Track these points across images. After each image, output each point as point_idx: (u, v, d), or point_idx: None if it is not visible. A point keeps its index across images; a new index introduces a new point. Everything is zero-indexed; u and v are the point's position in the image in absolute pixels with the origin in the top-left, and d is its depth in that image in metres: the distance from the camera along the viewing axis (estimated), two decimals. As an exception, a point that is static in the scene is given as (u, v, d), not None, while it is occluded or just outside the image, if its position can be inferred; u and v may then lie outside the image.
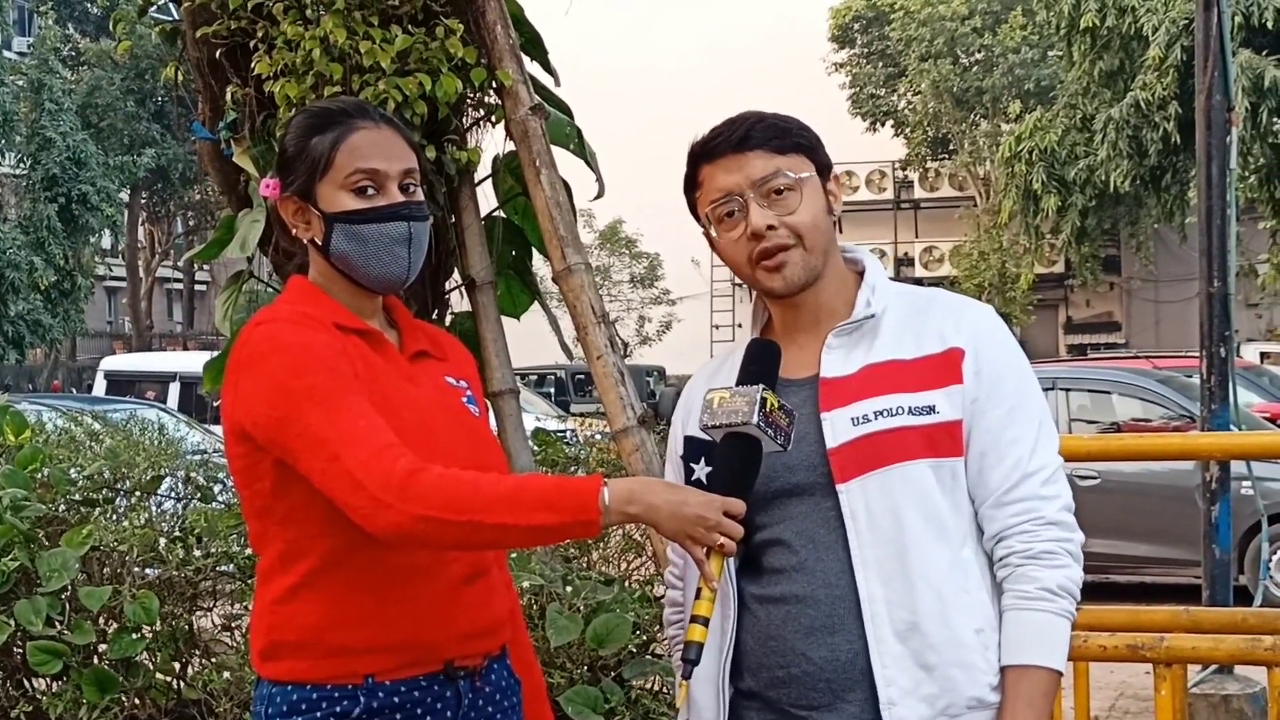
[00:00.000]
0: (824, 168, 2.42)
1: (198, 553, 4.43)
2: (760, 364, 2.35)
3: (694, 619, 2.21)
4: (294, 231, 2.50)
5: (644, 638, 4.02)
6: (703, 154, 2.42)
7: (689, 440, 2.47)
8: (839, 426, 2.32)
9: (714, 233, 2.42)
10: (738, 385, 2.29)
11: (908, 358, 2.36)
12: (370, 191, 2.43)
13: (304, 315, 2.42)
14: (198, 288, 50.51)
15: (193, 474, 4.86)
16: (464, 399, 2.56)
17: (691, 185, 2.45)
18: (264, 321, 2.42)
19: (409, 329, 2.59)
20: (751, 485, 2.26)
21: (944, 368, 2.34)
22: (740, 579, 2.39)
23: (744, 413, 2.22)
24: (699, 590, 2.22)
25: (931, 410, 2.31)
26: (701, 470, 2.40)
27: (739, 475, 2.25)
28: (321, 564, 2.38)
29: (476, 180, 4.62)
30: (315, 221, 2.46)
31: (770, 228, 2.35)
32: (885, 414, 2.31)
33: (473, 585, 2.45)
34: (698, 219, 2.46)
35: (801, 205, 2.36)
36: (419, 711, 2.40)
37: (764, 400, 2.22)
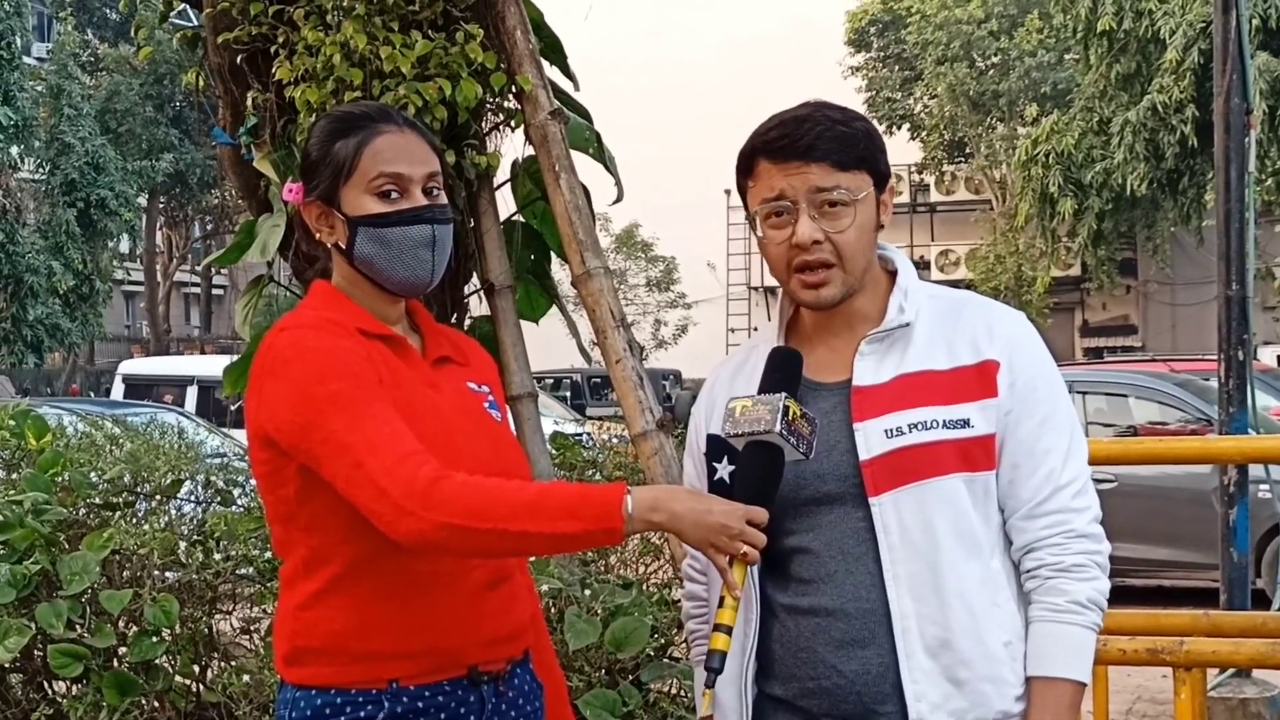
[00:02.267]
0: (882, 179, 2.40)
1: (217, 556, 4.44)
2: (782, 372, 2.34)
3: (717, 627, 2.21)
4: (318, 236, 2.51)
5: (662, 641, 4.02)
6: (763, 149, 2.37)
7: (711, 439, 2.46)
8: (872, 438, 2.31)
9: (760, 229, 2.40)
10: (760, 393, 2.29)
11: (941, 368, 2.34)
12: (394, 195, 2.43)
13: (328, 321, 2.42)
14: (215, 292, 50.65)
15: (212, 478, 4.88)
16: (486, 404, 2.57)
17: (745, 173, 2.41)
18: (288, 327, 2.43)
19: (432, 334, 2.59)
20: (774, 493, 2.26)
21: (978, 380, 2.33)
22: (766, 586, 2.39)
23: (766, 421, 2.22)
24: (722, 598, 2.22)
25: (966, 424, 2.30)
26: (724, 469, 2.40)
27: (762, 483, 2.25)
28: (345, 570, 2.39)
29: (496, 185, 4.62)
30: (339, 225, 2.46)
31: (816, 242, 2.33)
32: (920, 427, 2.30)
33: (496, 590, 2.46)
34: (745, 204, 2.43)
35: (852, 224, 2.34)
36: (443, 716, 2.41)
37: (786, 409, 2.22)
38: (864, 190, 2.35)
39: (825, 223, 2.33)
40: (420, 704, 2.39)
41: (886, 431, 2.30)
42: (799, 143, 2.33)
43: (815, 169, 2.32)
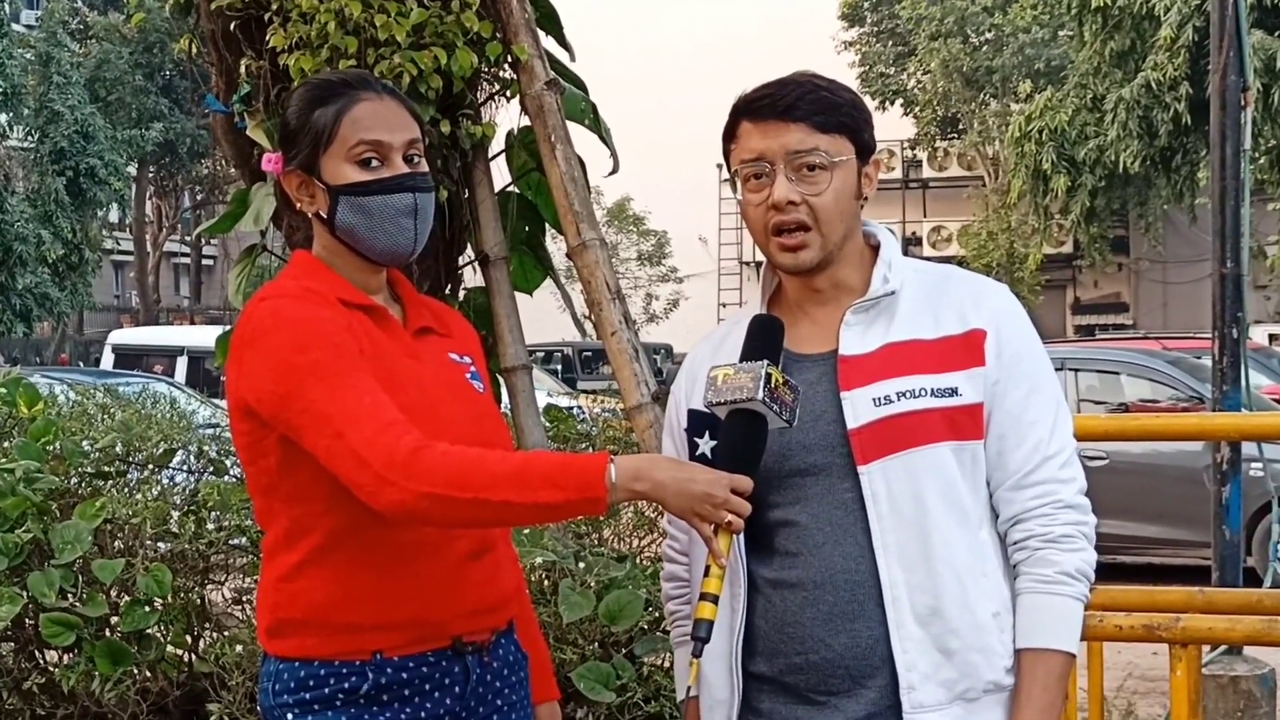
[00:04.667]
0: (865, 149, 2.38)
1: (210, 526, 4.44)
2: (764, 339, 2.32)
3: (704, 596, 2.19)
4: (298, 206, 2.49)
5: (656, 614, 4.02)
6: (746, 110, 2.37)
7: (693, 414, 2.44)
8: (860, 406, 2.30)
9: (740, 192, 2.39)
10: (741, 361, 2.27)
11: (928, 337, 2.33)
12: (375, 163, 2.41)
13: (308, 290, 2.40)
14: (205, 262, 50.50)
15: (205, 447, 4.87)
16: (467, 375, 2.56)
17: (729, 136, 2.40)
18: (268, 297, 2.41)
19: (413, 304, 2.57)
20: (758, 462, 2.24)
21: (966, 349, 2.32)
22: (751, 560, 2.37)
23: (749, 389, 2.20)
24: (707, 568, 2.20)
25: (954, 392, 2.30)
26: (706, 444, 2.38)
27: (745, 452, 2.23)
28: (327, 541, 2.38)
29: (491, 155, 4.60)
30: (320, 195, 2.44)
31: (791, 203, 2.32)
32: (908, 395, 2.29)
33: (479, 561, 2.45)
34: (729, 168, 2.43)
35: (829, 188, 2.33)
36: (427, 687, 2.40)
37: (768, 376, 2.20)
38: (843, 155, 2.34)
39: (802, 185, 2.32)
40: (404, 675, 2.39)
41: (875, 400, 2.29)
42: (779, 103, 2.33)
43: (794, 129, 2.32)
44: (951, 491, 2.29)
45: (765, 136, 2.33)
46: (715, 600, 2.19)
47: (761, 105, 2.34)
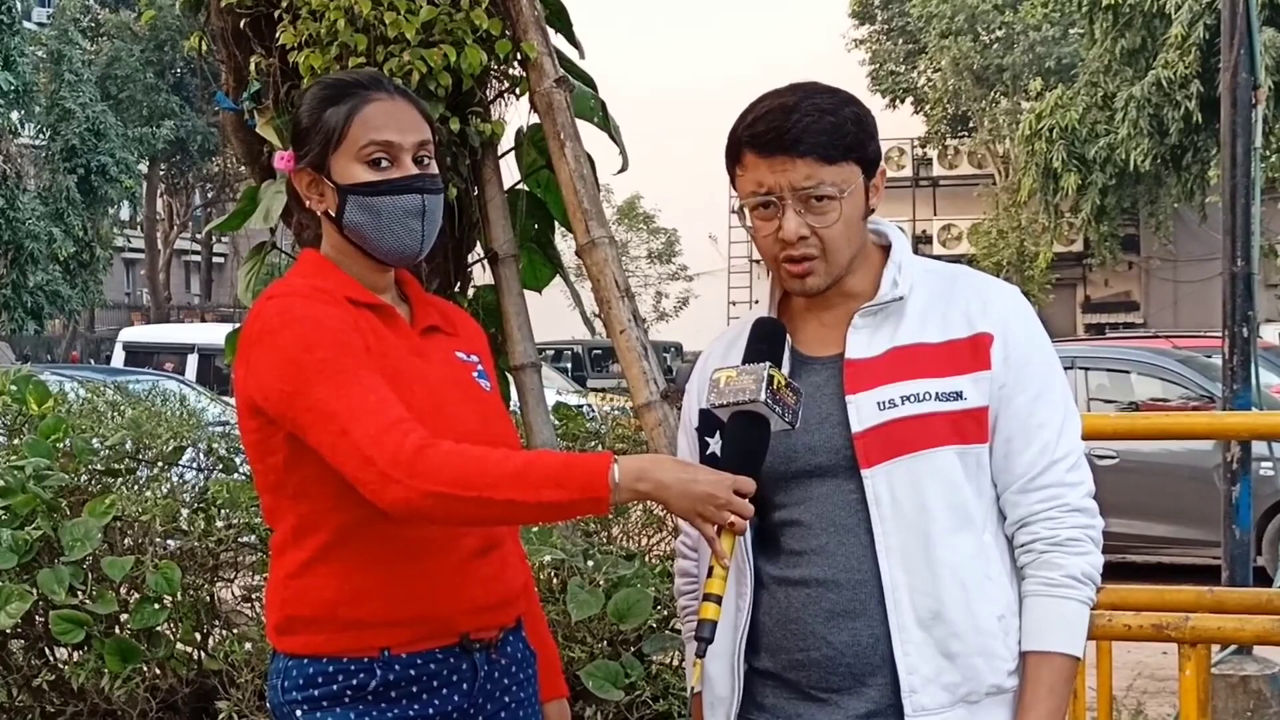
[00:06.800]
0: (872, 163, 2.36)
1: (219, 524, 4.45)
2: (767, 342, 2.32)
3: (707, 597, 2.20)
4: (308, 204, 2.50)
5: (664, 613, 4.03)
6: (750, 142, 2.32)
7: (704, 413, 2.44)
8: (865, 410, 2.30)
9: (748, 219, 2.37)
10: (744, 363, 2.28)
11: (934, 341, 2.33)
12: (384, 164, 2.42)
13: (316, 289, 2.41)
14: (215, 260, 50.64)
15: (215, 445, 4.87)
16: (474, 373, 2.56)
17: (734, 160, 2.37)
18: (276, 295, 2.42)
19: (420, 303, 2.58)
20: (761, 463, 2.24)
21: (971, 353, 2.31)
22: (758, 558, 2.38)
23: (750, 391, 2.20)
24: (711, 568, 2.20)
25: (959, 396, 2.29)
26: (716, 444, 2.37)
27: (748, 454, 2.23)
28: (334, 538, 2.38)
29: (500, 153, 4.60)
30: (329, 193, 2.45)
31: (802, 237, 2.30)
32: (912, 399, 2.29)
33: (486, 558, 2.45)
34: (734, 185, 2.40)
35: (839, 219, 2.31)
36: (435, 684, 2.41)
37: (771, 378, 2.20)
38: (851, 183, 2.32)
39: (811, 217, 2.30)
40: (412, 671, 2.39)
41: (879, 404, 2.29)
42: (785, 137, 2.29)
43: (801, 164, 2.29)
44: (955, 495, 2.29)
45: (772, 171, 2.30)
46: (719, 600, 2.19)
47: (766, 139, 2.30)
